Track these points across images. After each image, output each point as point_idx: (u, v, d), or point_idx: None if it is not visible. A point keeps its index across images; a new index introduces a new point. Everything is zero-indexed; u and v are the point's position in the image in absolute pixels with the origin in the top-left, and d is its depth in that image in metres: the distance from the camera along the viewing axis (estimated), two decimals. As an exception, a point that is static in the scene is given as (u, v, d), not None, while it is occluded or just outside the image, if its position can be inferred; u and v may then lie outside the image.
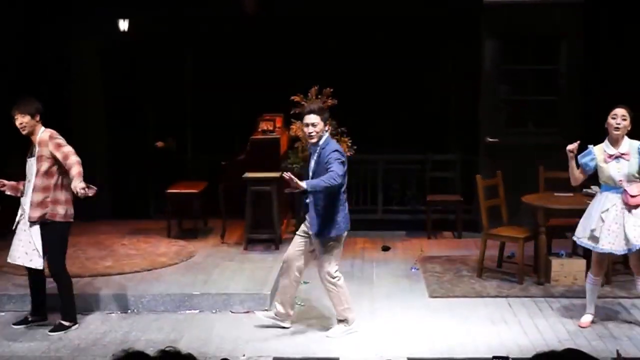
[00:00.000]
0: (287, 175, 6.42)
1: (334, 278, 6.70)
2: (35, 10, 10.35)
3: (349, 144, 9.33)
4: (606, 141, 6.75)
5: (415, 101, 10.69)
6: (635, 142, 6.66)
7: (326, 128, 6.64)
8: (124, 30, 10.95)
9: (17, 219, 6.81)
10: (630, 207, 6.59)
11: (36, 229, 6.69)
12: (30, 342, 6.64)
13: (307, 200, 6.62)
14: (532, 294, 7.74)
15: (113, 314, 7.29)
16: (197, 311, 7.38)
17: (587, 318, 6.94)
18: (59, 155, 6.63)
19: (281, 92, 9.47)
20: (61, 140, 6.73)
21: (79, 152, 6.79)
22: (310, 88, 9.34)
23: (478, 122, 10.24)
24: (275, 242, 8.97)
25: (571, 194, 8.39)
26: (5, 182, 6.83)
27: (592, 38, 10.05)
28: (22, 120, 6.68)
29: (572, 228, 8.51)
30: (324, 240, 6.60)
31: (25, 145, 6.99)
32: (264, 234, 9.04)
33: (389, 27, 10.69)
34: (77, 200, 6.83)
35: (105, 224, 10.26)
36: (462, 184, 10.40)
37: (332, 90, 9.29)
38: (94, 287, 7.63)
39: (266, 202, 8.95)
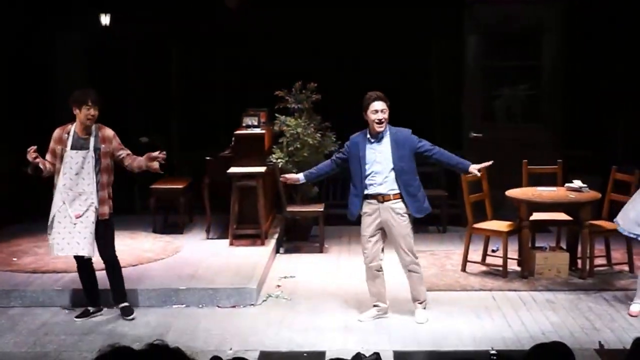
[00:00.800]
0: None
1: (417, 258, 6.91)
2: (31, 9, 10.33)
3: (333, 139, 9.38)
4: None
5: (399, 96, 10.67)
6: None
7: None
8: (109, 26, 10.94)
9: (55, 211, 6.73)
10: None
11: (94, 217, 6.75)
12: (16, 338, 6.62)
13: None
14: (516, 288, 7.81)
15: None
16: (184, 306, 7.39)
17: (634, 307, 7.00)
18: (123, 153, 6.86)
19: (265, 87, 9.50)
20: None
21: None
22: (293, 84, 9.38)
23: (462, 117, 10.30)
24: (261, 237, 8.99)
25: (554, 189, 8.48)
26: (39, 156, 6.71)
27: (575, 33, 10.13)
28: (94, 113, 6.73)
29: (556, 222, 8.66)
30: (412, 220, 6.82)
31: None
32: (250, 229, 9.05)
33: (373, 23, 10.73)
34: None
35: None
36: (447, 179, 10.45)
37: (316, 85, 9.34)
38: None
39: (251, 197, 8.97)
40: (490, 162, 6.97)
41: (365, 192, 6.74)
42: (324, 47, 10.60)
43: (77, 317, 7.00)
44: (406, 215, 6.76)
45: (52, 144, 6.80)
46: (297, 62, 10.21)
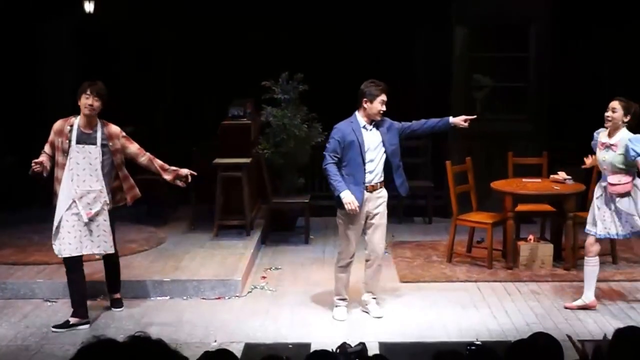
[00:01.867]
0: None
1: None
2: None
3: (320, 130, 9.34)
4: (608, 129, 6.80)
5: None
6: (628, 135, 6.66)
7: None
8: (96, 13, 10.85)
9: (63, 211, 6.56)
10: (613, 195, 6.70)
11: (106, 214, 6.65)
12: (-4, 331, 6.58)
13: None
14: (501, 279, 7.83)
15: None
16: (168, 298, 7.36)
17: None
18: (133, 148, 6.77)
19: (252, 77, 9.45)
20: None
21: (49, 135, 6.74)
22: (280, 73, 9.33)
23: (448, 108, 10.27)
24: (246, 228, 8.96)
25: (539, 180, 8.51)
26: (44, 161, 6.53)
27: (563, 25, 10.13)
28: (92, 103, 6.55)
29: (540, 213, 8.69)
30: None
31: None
32: (235, 220, 9.01)
33: (360, 12, 10.67)
34: (45, 187, 6.80)
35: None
36: (433, 170, 10.43)
37: (302, 75, 9.29)
38: (61, 275, 7.49)
39: (237, 188, 8.92)
40: (474, 116, 6.98)
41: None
42: (310, 37, 10.54)
43: (55, 327, 6.57)
44: (386, 205, 6.77)
45: (52, 136, 6.61)
46: (284, 52, 10.15)
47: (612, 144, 6.71)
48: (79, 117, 6.63)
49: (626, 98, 6.80)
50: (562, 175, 8.31)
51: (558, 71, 10.21)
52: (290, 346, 6.21)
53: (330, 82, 10.38)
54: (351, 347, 5.58)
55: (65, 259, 6.65)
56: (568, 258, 8.07)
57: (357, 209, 6.53)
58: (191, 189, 9.44)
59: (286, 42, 10.37)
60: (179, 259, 8.12)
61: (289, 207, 9.47)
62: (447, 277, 7.88)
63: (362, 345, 5.65)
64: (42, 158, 6.56)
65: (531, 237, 8.33)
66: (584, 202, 8.37)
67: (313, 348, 6.00)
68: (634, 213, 6.70)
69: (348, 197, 6.50)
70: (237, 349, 6.03)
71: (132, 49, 11.01)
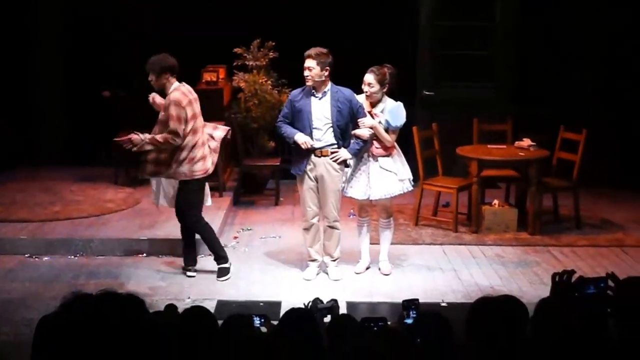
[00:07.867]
0: None
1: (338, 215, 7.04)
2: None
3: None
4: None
5: (354, 54, 10.75)
6: (389, 107, 6.96)
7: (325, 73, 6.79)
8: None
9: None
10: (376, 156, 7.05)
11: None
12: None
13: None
14: (466, 242, 8.07)
15: (62, 258, 7.41)
16: (144, 255, 7.55)
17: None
18: None
19: (224, 44, 9.56)
20: None
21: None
22: (253, 39, 9.48)
23: (415, 75, 10.42)
24: (219, 190, 9.14)
25: (504, 146, 8.72)
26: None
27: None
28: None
29: (505, 179, 8.93)
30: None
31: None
32: (209, 181, 9.15)
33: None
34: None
35: (54, 171, 10.22)
36: (399, 136, 10.56)
37: (274, 43, 9.45)
38: (43, 232, 7.74)
39: (210, 150, 9.06)
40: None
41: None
42: (281, 5, 10.57)
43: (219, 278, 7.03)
44: (340, 172, 6.90)
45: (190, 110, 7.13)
46: (256, 17, 10.23)
47: (375, 113, 6.95)
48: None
49: (378, 66, 6.92)
50: (526, 141, 8.52)
51: (524, 38, 10.35)
52: (262, 304, 6.41)
53: (300, 50, 10.47)
54: (323, 303, 5.80)
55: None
56: (532, 223, 8.29)
57: (311, 145, 6.74)
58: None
59: (258, 10, 10.42)
60: (155, 218, 8.23)
61: (260, 170, 9.67)
62: (414, 240, 8.11)
63: (334, 302, 5.82)
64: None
65: (496, 202, 8.55)
66: (548, 168, 8.61)
67: (283, 306, 6.21)
68: (395, 172, 6.98)
69: (301, 137, 6.75)
70: (210, 306, 6.15)
71: (107, 21, 10.97)
